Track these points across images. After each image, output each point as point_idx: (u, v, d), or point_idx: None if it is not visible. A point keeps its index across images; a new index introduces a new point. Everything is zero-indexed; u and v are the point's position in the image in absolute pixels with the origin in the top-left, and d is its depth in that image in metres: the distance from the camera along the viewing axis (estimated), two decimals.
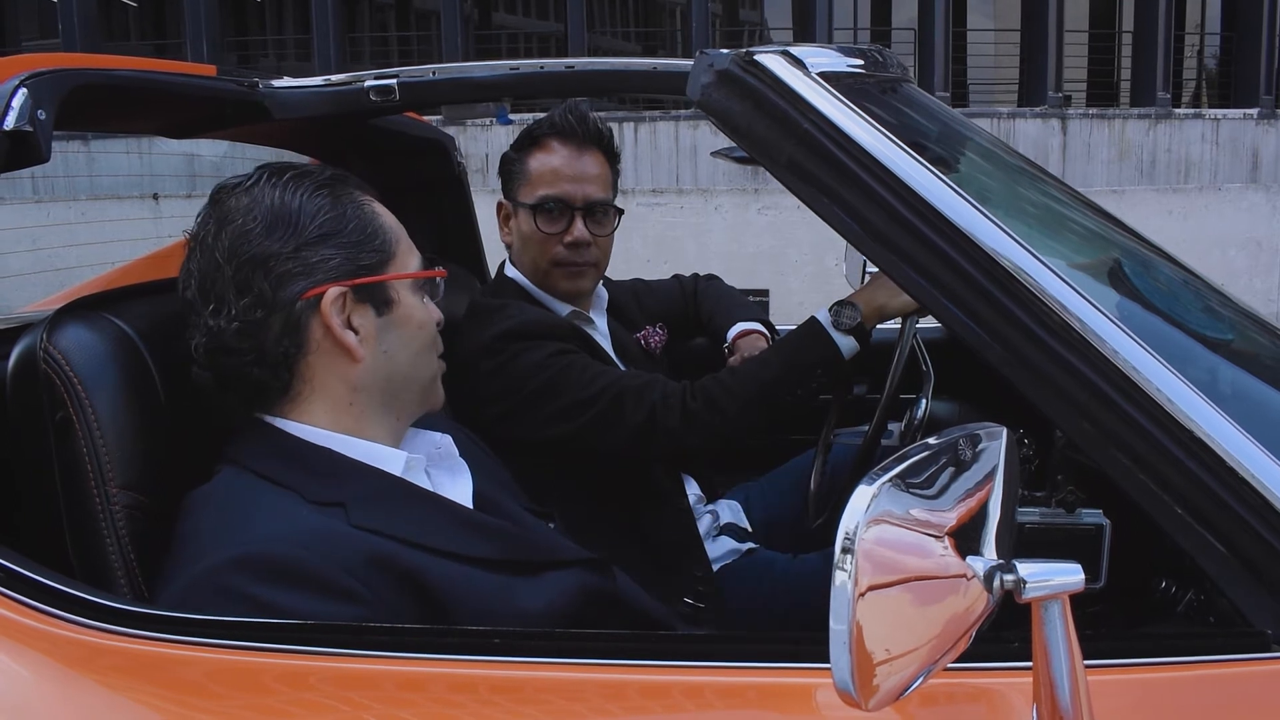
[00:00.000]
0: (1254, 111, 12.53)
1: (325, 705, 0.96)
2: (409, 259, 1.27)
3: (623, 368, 1.93)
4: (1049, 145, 11.82)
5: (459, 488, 1.30)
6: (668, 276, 2.40)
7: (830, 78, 1.11)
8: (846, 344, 1.73)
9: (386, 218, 1.27)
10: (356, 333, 1.21)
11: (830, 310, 1.75)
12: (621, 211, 1.98)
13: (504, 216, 1.98)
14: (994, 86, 14.73)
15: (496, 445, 1.50)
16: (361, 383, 1.22)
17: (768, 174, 1.12)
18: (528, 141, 1.93)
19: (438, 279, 1.31)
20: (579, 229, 1.89)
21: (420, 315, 1.27)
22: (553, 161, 1.89)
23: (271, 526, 1.11)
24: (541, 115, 1.96)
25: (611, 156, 1.96)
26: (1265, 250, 7.80)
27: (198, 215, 1.23)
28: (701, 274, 2.39)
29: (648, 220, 7.58)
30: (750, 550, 2.00)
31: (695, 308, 2.29)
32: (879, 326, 2.02)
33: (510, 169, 1.95)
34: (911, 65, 12.79)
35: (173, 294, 1.38)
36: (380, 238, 1.24)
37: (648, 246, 7.42)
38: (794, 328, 1.79)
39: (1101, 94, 14.59)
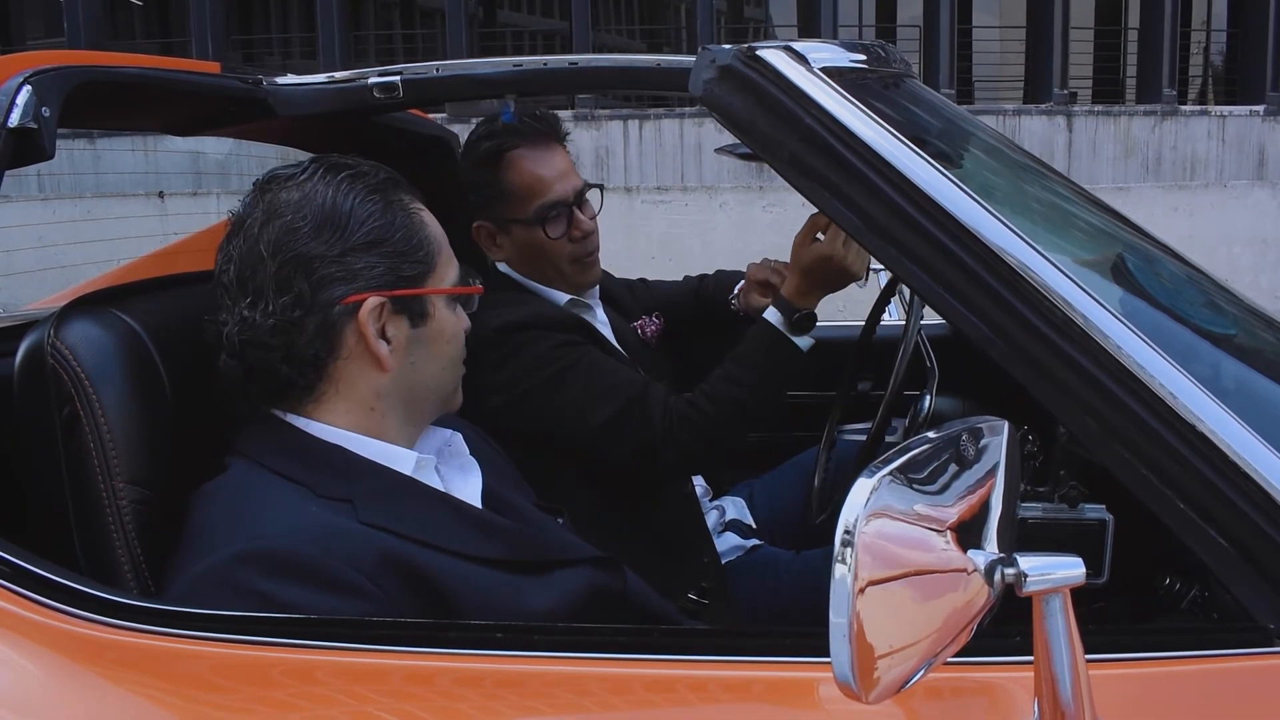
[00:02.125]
0: (1260, 109, 12.50)
1: (332, 699, 0.97)
2: (448, 270, 1.26)
3: (625, 355, 1.93)
4: (1054, 142, 11.80)
5: (469, 486, 1.30)
6: (672, 274, 2.38)
7: (833, 73, 1.11)
8: (805, 343, 1.74)
9: (432, 227, 1.26)
10: (389, 343, 1.20)
11: (780, 309, 1.74)
12: (602, 186, 1.96)
13: (487, 236, 1.91)
14: (999, 84, 14.70)
15: (498, 436, 1.50)
16: (385, 391, 1.22)
17: (773, 172, 1.12)
18: (490, 159, 1.86)
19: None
20: (584, 221, 1.88)
21: (451, 329, 1.27)
22: (533, 169, 1.85)
23: (280, 522, 1.11)
24: (480, 128, 1.90)
25: (563, 142, 1.93)
26: (1271, 247, 7.79)
27: (244, 196, 1.22)
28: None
29: (652, 218, 7.58)
30: (754, 547, 2.01)
31: (699, 285, 2.26)
32: (883, 323, 2.02)
33: (482, 193, 1.88)
34: (916, 63, 12.78)
35: (180, 290, 1.38)
36: (424, 249, 1.23)
37: (652, 244, 7.42)
38: (750, 336, 1.77)
39: (1107, 91, 14.56)
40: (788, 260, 1.80)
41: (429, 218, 1.26)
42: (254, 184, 1.23)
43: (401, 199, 1.23)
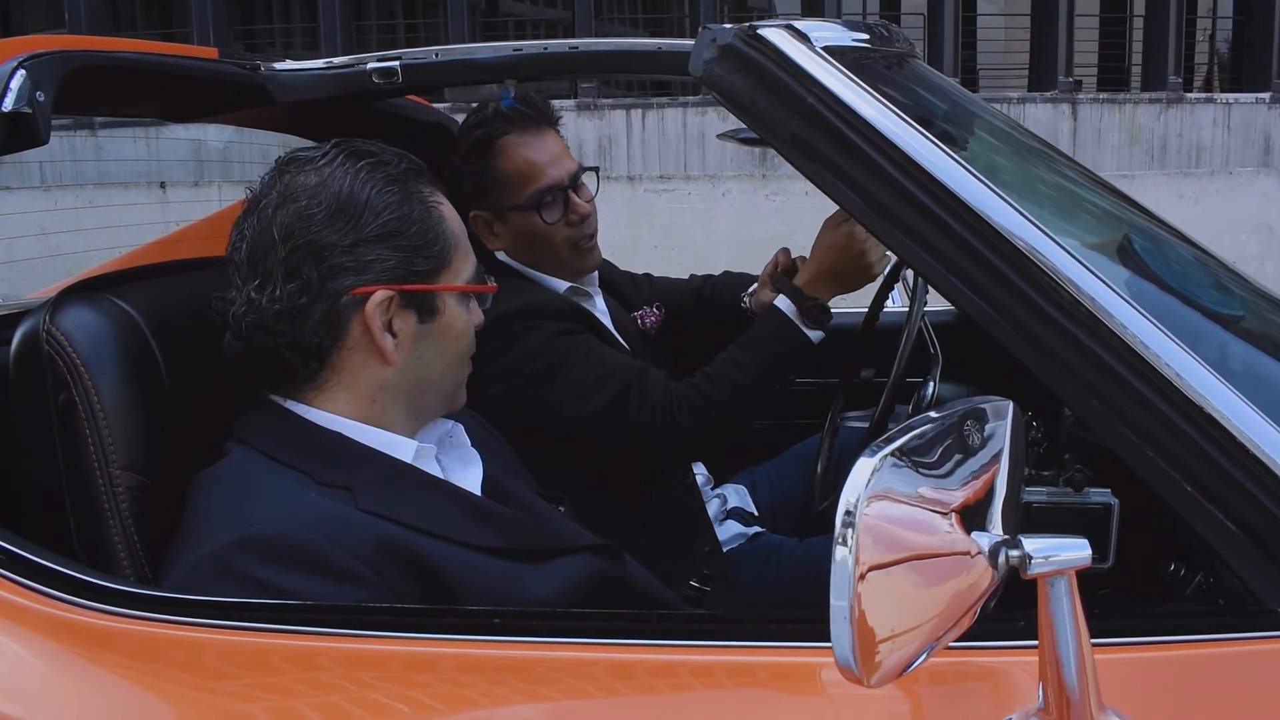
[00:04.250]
0: (1266, 96, 12.45)
1: (334, 685, 0.96)
2: (463, 266, 1.24)
3: (624, 343, 1.92)
4: (1059, 130, 11.75)
5: (469, 476, 1.29)
6: (676, 263, 2.36)
7: (835, 52, 1.10)
8: (815, 335, 1.73)
9: (451, 222, 1.24)
10: (395, 336, 1.19)
11: (791, 297, 1.73)
12: (596, 169, 1.95)
13: (484, 225, 1.89)
14: (1004, 72, 14.66)
15: (497, 425, 1.49)
16: (388, 384, 1.21)
17: (776, 159, 1.11)
18: (482, 147, 1.84)
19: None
20: (580, 204, 1.87)
21: (460, 325, 1.25)
22: (525, 155, 1.84)
23: (278, 509, 1.10)
24: (471, 116, 1.88)
25: (555, 125, 1.91)
26: (1277, 235, 7.77)
27: (263, 175, 1.21)
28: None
29: (655, 207, 7.56)
30: (756, 534, 2.00)
31: (702, 285, 2.25)
32: (887, 309, 2.01)
33: (476, 181, 1.86)
34: (921, 51, 12.72)
35: (177, 276, 1.38)
36: (440, 244, 1.21)
37: (655, 233, 7.40)
38: (759, 322, 1.76)
39: (1112, 79, 14.50)
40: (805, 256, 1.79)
41: (449, 211, 1.25)
42: (275, 161, 1.22)
43: (421, 191, 1.22)
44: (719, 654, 0.97)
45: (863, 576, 0.72)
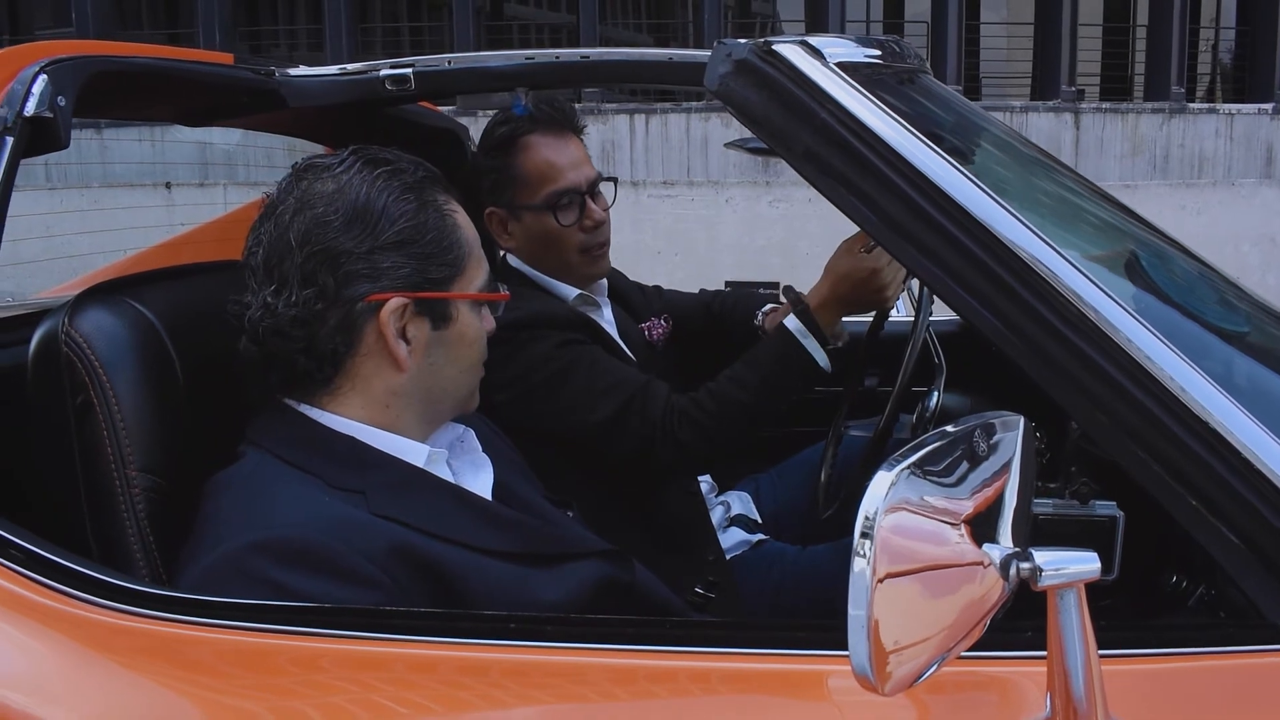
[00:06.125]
0: (1268, 107, 12.48)
1: (337, 686, 0.97)
2: (477, 274, 1.26)
3: (630, 354, 1.93)
4: (1062, 140, 11.77)
5: (480, 481, 1.30)
6: (679, 268, 2.37)
7: (848, 68, 1.12)
8: (823, 360, 1.72)
9: (465, 230, 1.25)
10: (409, 343, 1.20)
11: (800, 318, 1.73)
12: (615, 179, 1.97)
13: (498, 223, 1.91)
14: (1007, 80, 14.68)
15: (503, 430, 1.50)
16: (402, 389, 1.22)
17: (779, 166, 1.12)
18: (505, 145, 1.87)
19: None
20: (595, 211, 1.89)
21: (473, 333, 1.26)
22: (547, 156, 1.86)
23: (292, 512, 1.11)
24: (498, 114, 1.90)
25: (579, 134, 1.93)
26: (1279, 246, 7.78)
27: (281, 180, 1.22)
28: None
29: (658, 212, 7.56)
30: (760, 542, 2.00)
31: (711, 301, 2.27)
32: (891, 318, 2.02)
33: (495, 177, 1.88)
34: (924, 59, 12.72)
35: (194, 279, 1.39)
36: (454, 252, 1.22)
37: (659, 238, 7.41)
38: (766, 341, 1.77)
39: (1115, 88, 14.52)
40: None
41: (463, 219, 1.26)
42: (292, 167, 1.23)
43: (436, 199, 1.23)
44: (719, 660, 0.98)
45: (880, 583, 0.73)
